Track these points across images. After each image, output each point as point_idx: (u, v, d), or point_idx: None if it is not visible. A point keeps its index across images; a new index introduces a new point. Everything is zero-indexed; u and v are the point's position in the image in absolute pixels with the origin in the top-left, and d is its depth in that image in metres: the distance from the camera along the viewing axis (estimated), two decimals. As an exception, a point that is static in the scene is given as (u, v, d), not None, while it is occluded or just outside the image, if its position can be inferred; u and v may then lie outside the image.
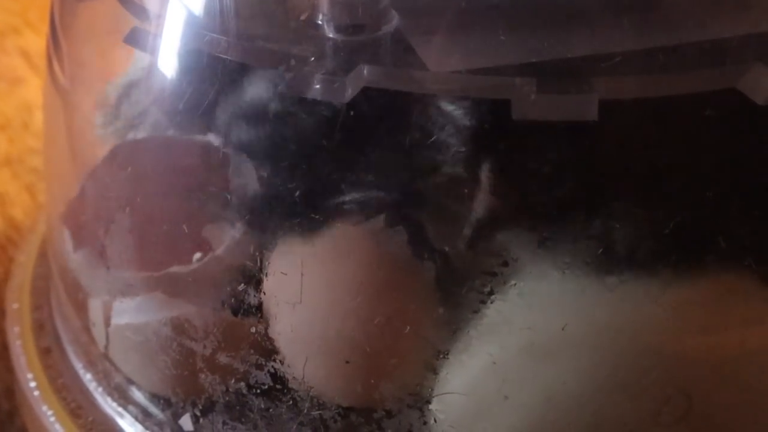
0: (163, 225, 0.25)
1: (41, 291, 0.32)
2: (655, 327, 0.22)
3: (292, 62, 0.22)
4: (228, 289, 0.24)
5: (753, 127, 0.21)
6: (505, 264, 0.22)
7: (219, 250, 0.24)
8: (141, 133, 0.26)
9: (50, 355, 0.30)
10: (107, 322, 0.26)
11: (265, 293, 0.24)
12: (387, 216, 0.22)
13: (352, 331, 0.23)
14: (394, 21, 0.22)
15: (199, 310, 0.24)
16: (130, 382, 0.27)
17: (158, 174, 0.26)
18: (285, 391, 0.24)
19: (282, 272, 0.23)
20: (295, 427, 0.24)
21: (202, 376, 0.25)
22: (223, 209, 0.24)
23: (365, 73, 0.21)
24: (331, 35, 0.22)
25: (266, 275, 0.24)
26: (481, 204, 0.22)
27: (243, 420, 0.24)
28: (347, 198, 0.23)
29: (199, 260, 0.24)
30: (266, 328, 0.24)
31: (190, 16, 0.24)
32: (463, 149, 0.22)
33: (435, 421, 0.23)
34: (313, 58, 0.22)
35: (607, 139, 0.21)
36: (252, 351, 0.24)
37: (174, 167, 0.26)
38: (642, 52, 0.20)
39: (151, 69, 0.25)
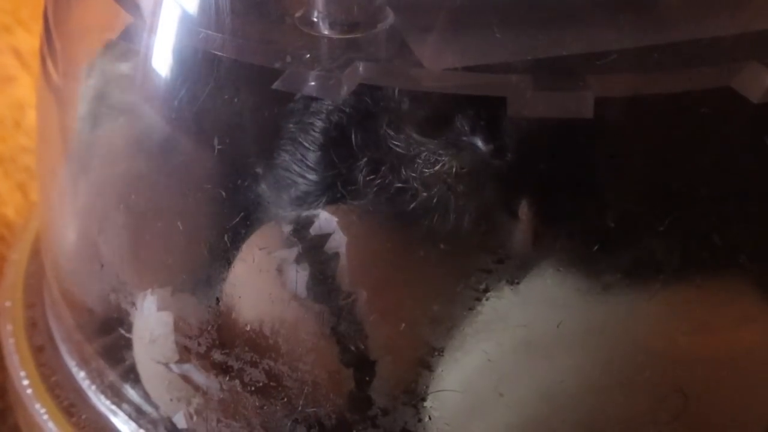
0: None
1: (34, 289, 0.32)
2: (651, 325, 0.22)
3: (288, 59, 0.22)
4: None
5: (748, 126, 0.21)
6: (500, 261, 0.22)
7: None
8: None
9: (43, 353, 0.30)
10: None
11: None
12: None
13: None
14: (390, 18, 0.22)
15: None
16: (124, 380, 0.27)
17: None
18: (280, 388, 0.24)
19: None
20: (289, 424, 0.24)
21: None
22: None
23: (360, 70, 0.21)
24: (326, 32, 0.22)
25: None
26: (475, 203, 0.22)
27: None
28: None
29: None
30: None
31: (185, 12, 0.24)
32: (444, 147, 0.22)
33: (430, 418, 0.23)
34: (308, 55, 0.22)
35: (600, 136, 0.21)
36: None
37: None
38: (637, 49, 0.20)
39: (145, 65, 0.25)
